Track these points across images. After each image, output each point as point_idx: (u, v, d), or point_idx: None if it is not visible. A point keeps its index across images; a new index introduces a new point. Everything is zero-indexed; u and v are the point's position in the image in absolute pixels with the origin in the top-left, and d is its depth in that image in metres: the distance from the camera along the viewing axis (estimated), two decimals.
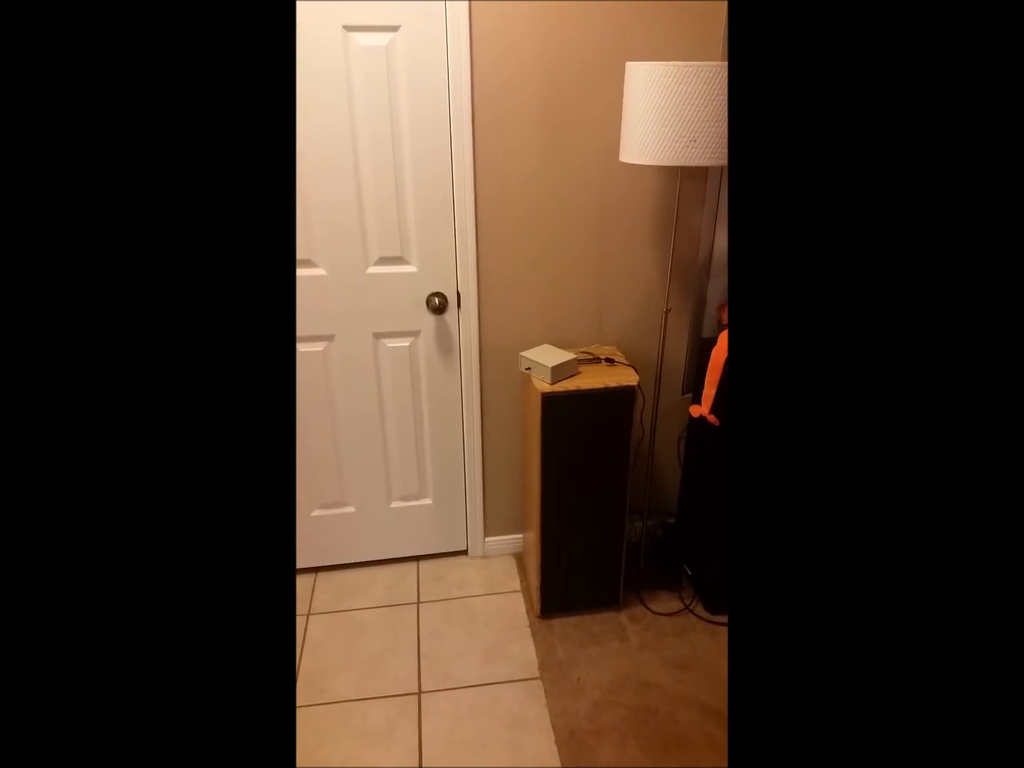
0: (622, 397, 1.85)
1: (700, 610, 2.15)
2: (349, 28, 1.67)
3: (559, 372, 1.84)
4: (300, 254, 1.90)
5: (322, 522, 2.27)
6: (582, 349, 2.09)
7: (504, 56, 1.75)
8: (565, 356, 1.87)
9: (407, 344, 2.07)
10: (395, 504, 2.29)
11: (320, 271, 1.92)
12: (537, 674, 1.93)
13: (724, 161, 1.54)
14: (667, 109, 1.48)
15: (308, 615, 2.15)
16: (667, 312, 1.90)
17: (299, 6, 1.63)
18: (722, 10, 1.78)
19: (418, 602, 2.20)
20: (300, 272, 1.92)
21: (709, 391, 1.94)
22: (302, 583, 2.28)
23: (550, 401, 1.81)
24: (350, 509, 2.27)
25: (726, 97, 1.47)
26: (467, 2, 1.67)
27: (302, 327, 1.99)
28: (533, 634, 2.07)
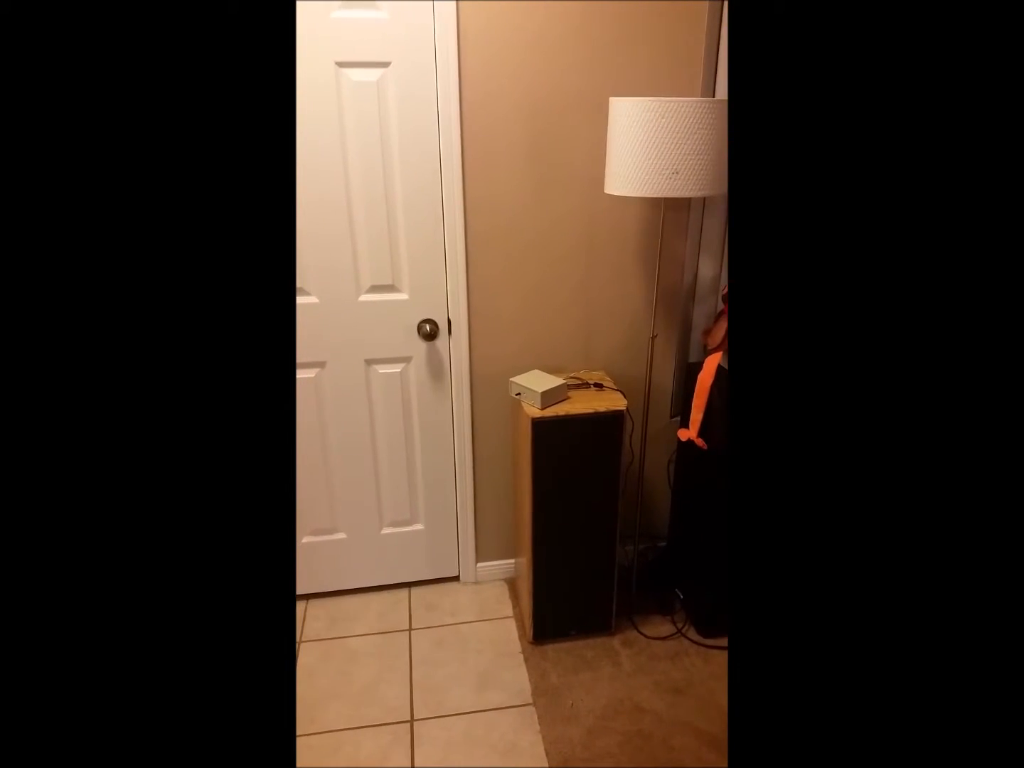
0: (611, 421, 1.87)
1: (693, 634, 2.16)
2: (341, 64, 1.72)
3: (549, 397, 1.86)
4: None
5: (313, 548, 2.26)
6: (571, 374, 2.12)
7: (493, 92, 1.80)
8: (555, 381, 1.89)
9: (398, 370, 2.09)
10: (386, 530, 2.29)
11: (312, 299, 1.95)
12: (530, 700, 1.92)
13: (706, 192, 1.59)
14: (650, 143, 1.52)
15: (299, 643, 2.13)
16: (653, 338, 1.94)
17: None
18: (701, 49, 1.84)
19: (410, 629, 2.19)
20: None
21: (696, 415, 1.97)
22: None
23: (540, 426, 1.84)
24: (341, 535, 2.27)
25: (707, 131, 1.52)
26: (455, 37, 1.72)
27: None
28: (526, 660, 2.06)
